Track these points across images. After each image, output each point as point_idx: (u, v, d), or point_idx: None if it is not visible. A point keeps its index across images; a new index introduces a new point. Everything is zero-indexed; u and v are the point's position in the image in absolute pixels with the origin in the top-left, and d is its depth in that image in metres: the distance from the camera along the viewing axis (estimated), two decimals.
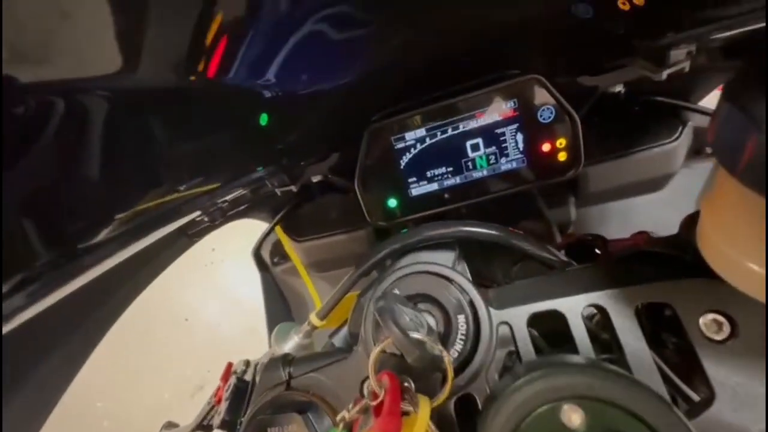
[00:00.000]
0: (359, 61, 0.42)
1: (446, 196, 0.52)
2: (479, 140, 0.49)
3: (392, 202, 0.53)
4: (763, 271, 0.20)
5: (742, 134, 0.17)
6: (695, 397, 0.30)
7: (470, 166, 0.51)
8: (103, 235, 0.25)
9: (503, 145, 0.49)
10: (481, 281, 0.41)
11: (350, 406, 0.27)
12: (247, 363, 0.50)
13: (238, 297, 2.11)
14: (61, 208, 0.23)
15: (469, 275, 0.35)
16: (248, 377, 0.45)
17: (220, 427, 0.39)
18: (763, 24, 0.28)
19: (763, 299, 0.21)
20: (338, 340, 0.48)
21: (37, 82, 0.19)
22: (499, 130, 0.49)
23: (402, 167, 0.51)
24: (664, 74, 0.39)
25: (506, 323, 0.31)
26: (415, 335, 0.26)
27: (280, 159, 0.49)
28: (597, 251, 0.39)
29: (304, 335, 0.46)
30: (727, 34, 0.34)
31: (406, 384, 0.27)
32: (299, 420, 0.32)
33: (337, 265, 0.75)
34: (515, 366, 0.25)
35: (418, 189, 0.52)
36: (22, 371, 0.38)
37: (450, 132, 0.49)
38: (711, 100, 0.61)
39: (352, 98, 0.48)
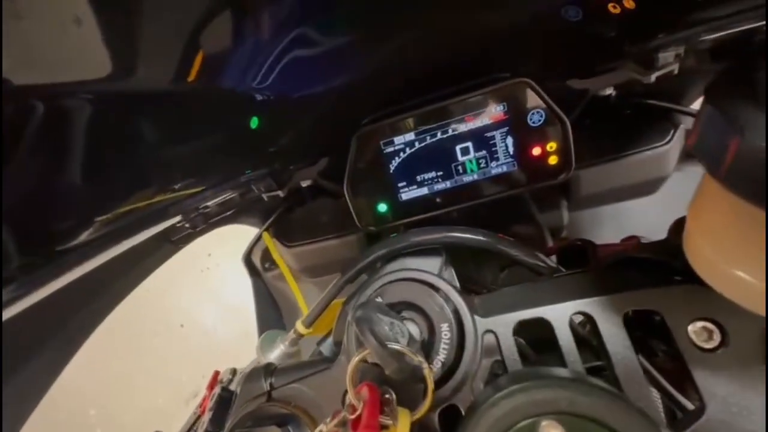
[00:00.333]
0: (350, 65, 0.42)
1: (437, 200, 0.51)
2: (469, 144, 0.49)
3: (382, 207, 0.52)
4: (750, 278, 0.19)
5: (723, 137, 0.16)
6: (689, 406, 0.29)
7: (460, 170, 0.50)
8: (83, 237, 0.25)
9: (493, 149, 0.49)
10: (471, 287, 0.40)
11: (328, 419, 0.26)
12: (234, 371, 0.49)
13: (234, 302, 2.09)
14: (41, 210, 0.22)
15: (456, 282, 0.35)
16: (234, 386, 0.44)
17: None
18: (749, 25, 0.28)
19: (750, 307, 0.20)
20: (326, 349, 0.47)
21: (24, 86, 0.18)
22: (489, 134, 0.48)
23: (391, 171, 0.51)
24: (653, 77, 0.38)
25: (492, 332, 0.30)
26: (395, 346, 0.25)
27: (271, 163, 0.49)
28: (587, 256, 0.38)
29: (290, 343, 0.45)
30: (715, 35, 0.33)
31: (387, 396, 0.26)
32: None
33: (328, 271, 0.74)
34: (499, 378, 0.24)
35: (408, 193, 0.52)
36: None
37: (440, 136, 0.49)
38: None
39: (343, 102, 0.48)
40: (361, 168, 0.50)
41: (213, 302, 2.18)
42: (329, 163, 0.62)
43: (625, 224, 0.63)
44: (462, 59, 0.47)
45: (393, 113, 0.49)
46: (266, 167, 0.48)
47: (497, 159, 0.49)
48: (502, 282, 0.42)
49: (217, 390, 0.43)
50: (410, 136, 0.49)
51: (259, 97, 0.37)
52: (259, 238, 0.74)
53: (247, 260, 0.80)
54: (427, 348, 0.30)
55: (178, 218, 0.46)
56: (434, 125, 0.48)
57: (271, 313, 0.82)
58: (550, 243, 0.56)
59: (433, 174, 0.51)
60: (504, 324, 0.30)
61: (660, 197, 0.61)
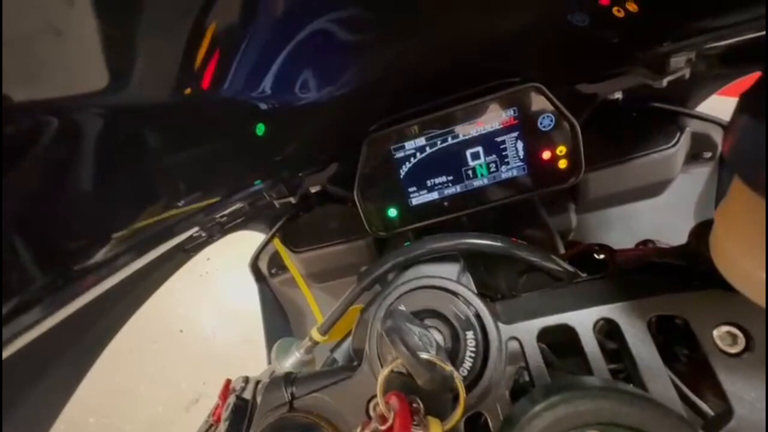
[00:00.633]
0: (357, 71, 0.42)
1: (446, 205, 0.51)
2: (479, 149, 0.49)
3: (392, 212, 0.52)
4: None
5: (762, 148, 0.16)
6: (709, 412, 0.29)
7: (470, 175, 0.50)
8: (100, 255, 0.25)
9: (503, 153, 0.49)
10: (485, 292, 0.40)
11: (358, 429, 0.26)
12: (246, 380, 0.48)
13: (234, 307, 2.08)
14: (58, 229, 0.22)
15: (474, 288, 0.35)
16: (247, 395, 0.44)
17: None
18: (750, 35, 0.28)
19: None
20: (340, 355, 0.47)
21: (29, 101, 0.18)
22: (499, 139, 0.48)
23: (402, 176, 0.51)
24: (665, 81, 0.39)
25: (516, 338, 0.30)
26: (425, 355, 0.25)
27: (279, 171, 0.49)
28: (603, 261, 0.39)
29: (306, 351, 0.45)
30: (726, 42, 0.34)
31: (414, 405, 0.26)
32: None
33: (336, 276, 0.74)
34: (533, 390, 0.24)
35: (418, 198, 0.52)
36: (16, 395, 0.36)
37: (450, 141, 0.49)
38: (708, 105, 0.61)
39: (351, 108, 0.48)
40: (371, 173, 0.50)
41: (212, 307, 2.17)
42: (338, 169, 0.62)
43: (632, 226, 0.64)
44: (472, 65, 0.48)
45: (403, 118, 0.49)
46: (275, 175, 0.48)
47: (507, 163, 0.49)
48: (522, 288, 0.42)
49: (231, 399, 0.42)
50: (421, 141, 0.49)
51: (264, 106, 0.37)
52: (266, 244, 0.74)
53: (254, 266, 0.80)
54: (452, 356, 0.30)
55: (194, 229, 0.46)
56: (445, 130, 0.49)
57: (278, 319, 0.82)
58: (560, 246, 0.56)
59: (443, 179, 0.51)
60: (528, 331, 0.30)
61: (666, 199, 0.62)
